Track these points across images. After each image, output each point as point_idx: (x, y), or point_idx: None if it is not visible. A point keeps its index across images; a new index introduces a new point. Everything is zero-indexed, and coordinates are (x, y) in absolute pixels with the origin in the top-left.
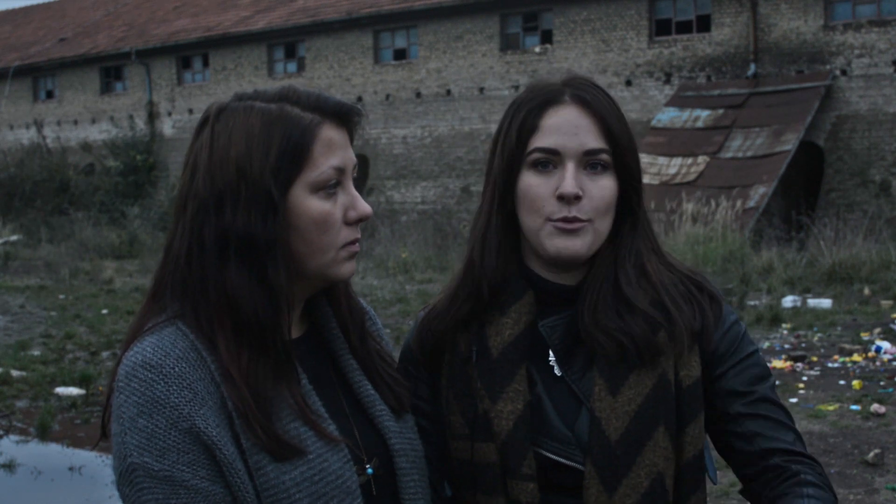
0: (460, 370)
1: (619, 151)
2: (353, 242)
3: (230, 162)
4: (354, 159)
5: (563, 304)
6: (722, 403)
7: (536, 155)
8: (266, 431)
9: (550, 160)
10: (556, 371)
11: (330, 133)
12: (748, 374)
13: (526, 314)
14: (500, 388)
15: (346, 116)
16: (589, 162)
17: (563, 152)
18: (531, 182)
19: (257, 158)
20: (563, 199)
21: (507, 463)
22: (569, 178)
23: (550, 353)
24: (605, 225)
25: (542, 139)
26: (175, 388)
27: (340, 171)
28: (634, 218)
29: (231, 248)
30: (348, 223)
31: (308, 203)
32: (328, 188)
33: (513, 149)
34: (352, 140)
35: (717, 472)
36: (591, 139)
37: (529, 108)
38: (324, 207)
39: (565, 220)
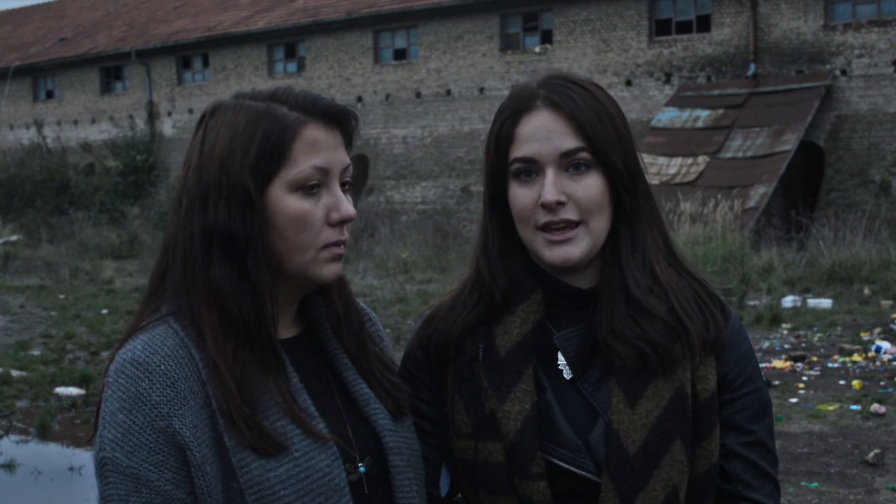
0: (467, 369)
1: (600, 147)
2: (336, 244)
3: (215, 158)
4: (345, 161)
5: (574, 307)
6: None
7: (517, 165)
8: (249, 426)
9: (531, 168)
10: (566, 374)
11: (314, 133)
12: (753, 410)
13: (534, 313)
14: (508, 389)
15: (336, 118)
16: (570, 163)
17: (540, 159)
18: (516, 193)
19: (238, 155)
20: (546, 207)
21: (515, 463)
22: (548, 186)
23: (560, 355)
24: (599, 224)
25: (519, 149)
26: (158, 385)
27: (324, 171)
28: (629, 216)
29: (214, 243)
30: (331, 224)
31: (286, 201)
32: (308, 188)
33: (494, 159)
34: (348, 143)
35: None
36: (567, 140)
37: (504, 117)
38: (302, 206)
39: (553, 227)
